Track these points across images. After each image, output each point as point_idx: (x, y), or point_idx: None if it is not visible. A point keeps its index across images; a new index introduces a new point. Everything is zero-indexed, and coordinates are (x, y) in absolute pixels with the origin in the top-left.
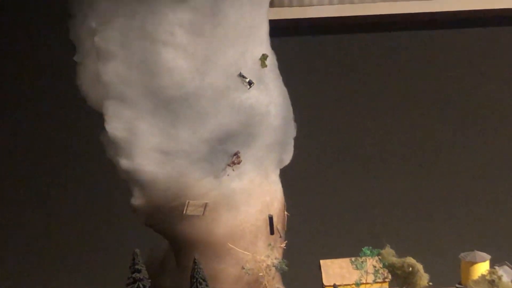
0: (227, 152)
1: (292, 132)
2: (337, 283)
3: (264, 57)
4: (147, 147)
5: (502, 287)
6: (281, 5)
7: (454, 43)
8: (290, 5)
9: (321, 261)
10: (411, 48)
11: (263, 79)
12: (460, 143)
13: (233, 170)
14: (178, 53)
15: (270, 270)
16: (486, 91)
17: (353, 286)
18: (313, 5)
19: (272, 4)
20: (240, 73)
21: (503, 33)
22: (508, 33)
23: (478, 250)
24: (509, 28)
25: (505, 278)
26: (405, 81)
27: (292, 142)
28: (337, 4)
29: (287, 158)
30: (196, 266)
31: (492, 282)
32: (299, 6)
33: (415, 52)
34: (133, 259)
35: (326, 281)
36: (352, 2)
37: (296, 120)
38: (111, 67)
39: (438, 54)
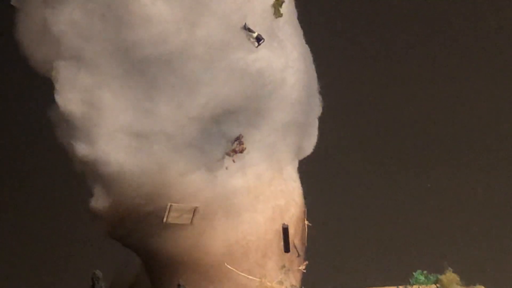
0: (225, 135)
1: (317, 108)
2: None
3: (278, 2)
4: (113, 127)
5: None
6: None
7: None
8: None
9: None
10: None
11: (277, 33)
12: None
13: (233, 161)
14: None
15: None
16: None
17: None
18: None
19: None
20: (245, 24)
21: None
22: None
23: None
24: None
25: None
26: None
27: (316, 123)
28: None
29: (309, 145)
30: None
31: None
32: None
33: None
34: (93, 284)
35: None
36: None
37: (322, 92)
38: (64, 14)
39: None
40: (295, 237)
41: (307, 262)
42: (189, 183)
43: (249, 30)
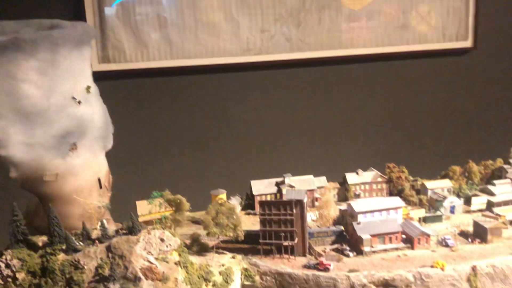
0: (68, 143)
1: (111, 130)
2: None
3: (88, 88)
4: (15, 142)
5: (226, 206)
6: (108, 61)
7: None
8: (114, 61)
9: (137, 202)
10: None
11: (89, 99)
12: None
13: (73, 153)
14: (32, 85)
15: (100, 209)
16: None
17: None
18: (131, 61)
19: (105, 60)
20: (73, 96)
21: None
22: None
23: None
24: None
25: (233, 201)
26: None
27: (111, 137)
28: (145, 61)
29: (109, 145)
30: (51, 210)
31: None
32: (120, 62)
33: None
34: (13, 209)
35: (139, 213)
36: (154, 59)
37: (113, 122)
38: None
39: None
40: (104, 182)
41: (111, 192)
42: (54, 164)
43: (75, 98)
